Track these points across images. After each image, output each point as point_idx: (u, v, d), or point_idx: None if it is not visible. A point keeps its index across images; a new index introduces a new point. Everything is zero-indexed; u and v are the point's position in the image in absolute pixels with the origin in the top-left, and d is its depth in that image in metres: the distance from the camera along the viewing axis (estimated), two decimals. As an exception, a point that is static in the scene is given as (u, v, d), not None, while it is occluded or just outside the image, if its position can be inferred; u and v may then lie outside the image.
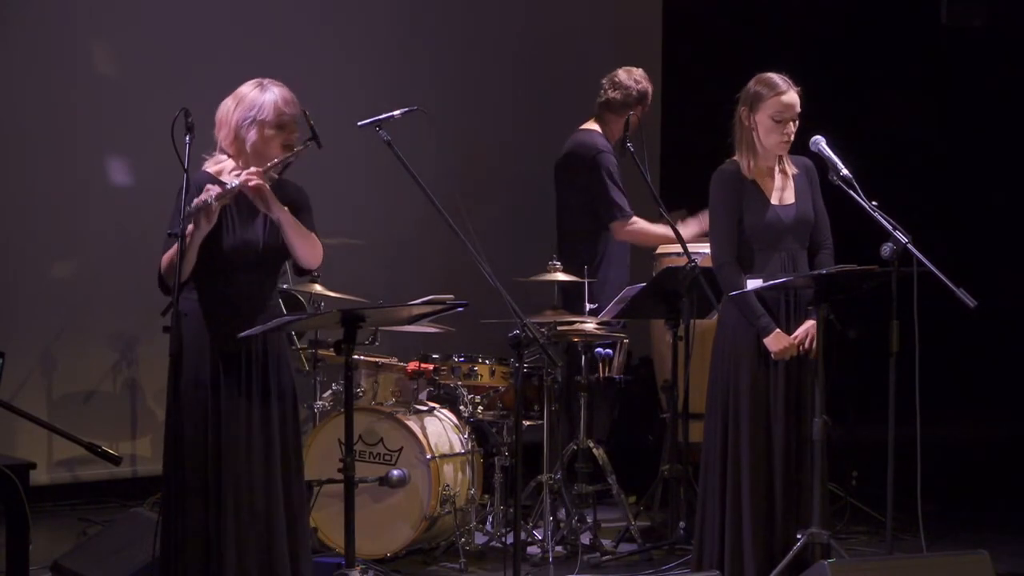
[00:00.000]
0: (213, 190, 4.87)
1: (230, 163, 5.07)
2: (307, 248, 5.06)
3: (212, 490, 4.93)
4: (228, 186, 4.90)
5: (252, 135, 5.02)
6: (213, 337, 4.97)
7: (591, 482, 6.92)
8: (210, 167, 5.10)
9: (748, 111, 5.77)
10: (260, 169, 4.96)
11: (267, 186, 4.96)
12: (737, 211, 5.74)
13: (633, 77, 7.54)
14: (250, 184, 4.92)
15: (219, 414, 4.96)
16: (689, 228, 7.13)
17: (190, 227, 4.86)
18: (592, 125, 7.56)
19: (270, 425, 5.03)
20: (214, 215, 4.90)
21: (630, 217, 7.40)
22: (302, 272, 5.22)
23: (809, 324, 5.71)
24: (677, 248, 6.83)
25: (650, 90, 7.58)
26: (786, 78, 5.79)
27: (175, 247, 4.85)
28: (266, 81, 5.08)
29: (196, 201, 4.85)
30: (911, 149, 10.43)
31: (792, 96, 5.75)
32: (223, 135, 5.07)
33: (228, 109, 5.06)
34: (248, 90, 5.06)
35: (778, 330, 5.67)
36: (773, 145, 5.76)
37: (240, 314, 4.98)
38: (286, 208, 5.00)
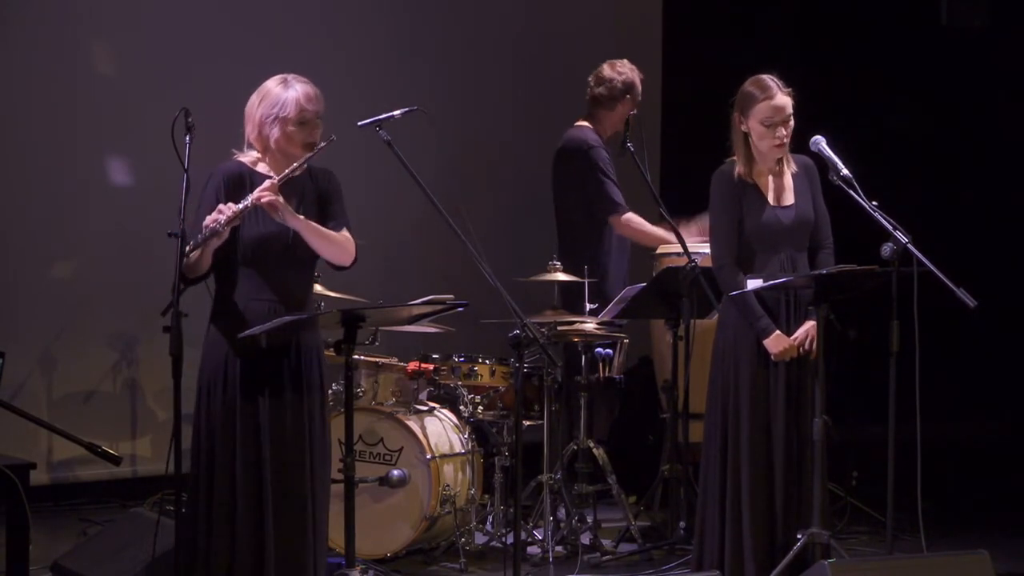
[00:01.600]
0: (226, 211, 4.86)
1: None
2: (332, 250, 5.06)
3: (244, 484, 4.94)
4: (240, 206, 4.90)
5: (275, 132, 5.02)
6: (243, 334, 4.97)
7: (591, 482, 6.92)
8: (243, 158, 5.09)
9: (740, 115, 5.75)
10: (275, 182, 4.94)
11: (280, 199, 4.93)
12: (737, 212, 5.73)
13: (616, 69, 7.51)
14: (263, 201, 4.91)
15: (250, 409, 4.97)
16: (689, 233, 7.11)
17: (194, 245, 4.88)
18: (583, 122, 7.55)
19: (301, 419, 5.04)
20: (225, 235, 4.90)
21: (625, 211, 7.39)
22: (337, 269, 5.19)
23: (809, 325, 5.70)
24: (677, 248, 6.83)
25: (637, 79, 7.52)
26: (777, 80, 5.75)
27: (192, 249, 4.86)
28: (290, 77, 5.07)
29: (207, 222, 4.84)
30: (911, 149, 10.42)
31: (781, 99, 5.71)
32: (249, 130, 5.08)
33: (253, 105, 5.06)
34: (272, 86, 5.05)
35: (778, 331, 5.67)
36: (767, 149, 5.75)
37: (271, 311, 4.98)
38: (302, 217, 5.00)
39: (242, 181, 5.00)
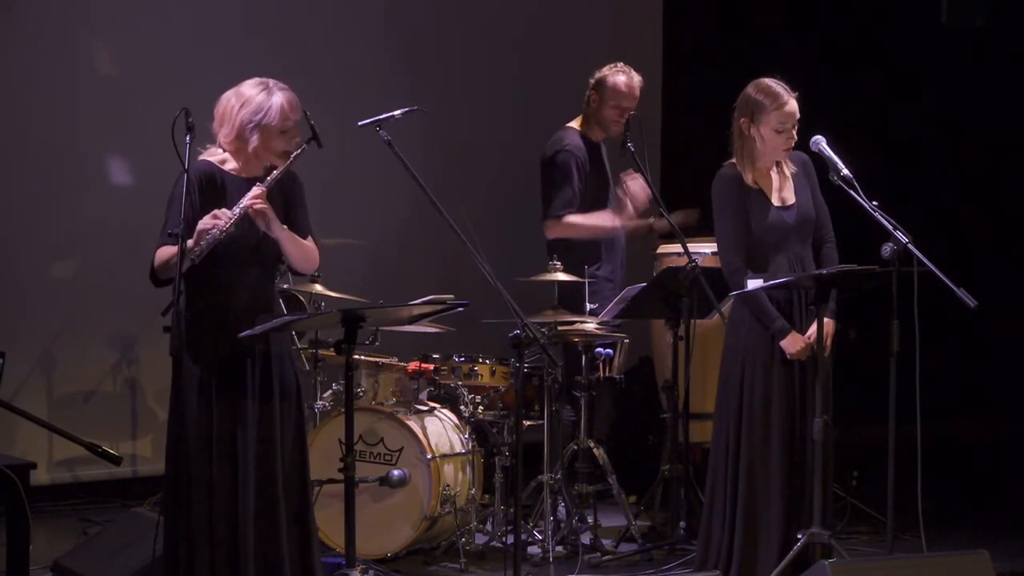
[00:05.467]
0: (222, 218, 4.88)
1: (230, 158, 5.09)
2: (302, 258, 5.12)
3: (217, 489, 4.95)
4: (235, 211, 4.91)
5: (255, 139, 5.02)
6: (214, 336, 4.97)
7: (591, 482, 6.92)
8: (210, 157, 5.09)
9: (749, 122, 5.74)
10: (264, 190, 4.96)
11: (270, 208, 4.97)
12: (743, 214, 5.73)
13: (600, 70, 7.48)
14: (255, 208, 4.93)
15: (222, 413, 4.97)
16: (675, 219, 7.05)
17: (192, 243, 4.88)
18: (571, 124, 7.50)
19: (272, 423, 5.03)
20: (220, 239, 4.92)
21: (559, 216, 7.23)
22: (297, 273, 5.30)
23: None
24: (677, 248, 6.83)
25: (608, 77, 7.37)
26: (784, 84, 5.76)
27: (175, 248, 4.85)
28: (271, 82, 5.07)
29: (203, 226, 4.85)
30: (911, 149, 10.43)
31: (793, 104, 5.73)
32: (224, 132, 5.06)
33: (232, 107, 5.04)
34: (254, 92, 5.04)
35: (793, 331, 5.67)
36: (777, 153, 5.76)
37: (239, 312, 4.98)
38: (285, 227, 5.03)
39: (213, 180, 5.03)
